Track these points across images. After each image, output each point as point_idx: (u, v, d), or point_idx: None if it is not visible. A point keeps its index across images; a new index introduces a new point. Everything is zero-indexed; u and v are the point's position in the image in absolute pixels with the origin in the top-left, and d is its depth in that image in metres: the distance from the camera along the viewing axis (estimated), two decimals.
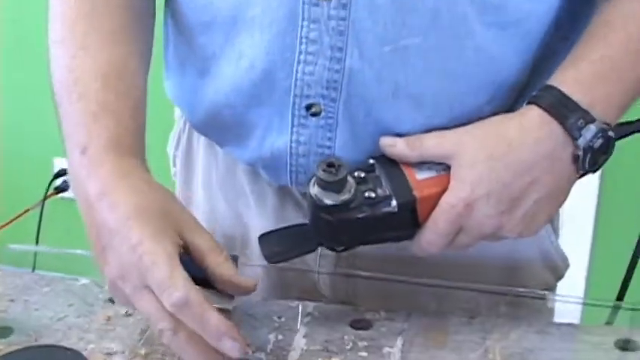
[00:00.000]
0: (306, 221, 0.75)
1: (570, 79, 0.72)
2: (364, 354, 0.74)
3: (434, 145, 0.72)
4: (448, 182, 0.71)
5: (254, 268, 0.89)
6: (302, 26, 0.72)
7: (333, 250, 0.76)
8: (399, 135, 0.74)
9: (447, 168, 0.72)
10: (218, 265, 0.68)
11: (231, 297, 0.71)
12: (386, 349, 0.75)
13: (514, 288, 0.84)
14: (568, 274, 0.93)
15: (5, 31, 2.20)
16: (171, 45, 0.85)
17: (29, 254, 0.97)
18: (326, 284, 0.87)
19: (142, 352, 0.75)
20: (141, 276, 0.65)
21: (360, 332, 0.77)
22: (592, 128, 0.70)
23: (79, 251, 0.91)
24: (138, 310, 0.68)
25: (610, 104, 0.72)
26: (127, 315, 0.79)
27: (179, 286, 0.64)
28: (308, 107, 0.75)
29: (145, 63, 0.79)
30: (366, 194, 0.70)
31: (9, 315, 0.79)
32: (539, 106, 0.71)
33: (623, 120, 0.76)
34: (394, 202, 0.70)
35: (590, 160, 0.71)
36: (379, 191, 0.71)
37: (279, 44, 0.73)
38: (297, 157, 0.77)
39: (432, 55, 0.72)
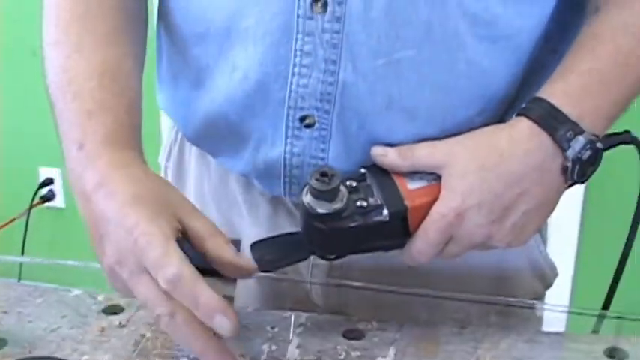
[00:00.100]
0: (299, 230, 0.75)
1: (559, 91, 0.73)
2: None
3: (425, 155, 0.73)
4: (439, 192, 0.72)
5: (246, 279, 0.89)
6: (296, 39, 0.73)
7: (324, 258, 0.76)
8: (391, 146, 0.75)
9: (438, 178, 0.73)
10: (218, 248, 0.69)
11: (233, 282, 0.72)
12: (379, 359, 0.76)
13: (504, 297, 0.85)
14: (554, 282, 0.94)
15: None
16: (165, 57, 0.86)
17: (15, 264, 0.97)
18: (318, 294, 0.88)
19: None
20: (137, 259, 0.65)
21: (353, 342, 0.78)
22: (581, 140, 0.71)
23: (70, 262, 0.92)
24: (136, 296, 0.68)
25: (598, 116, 0.73)
26: (121, 326, 0.80)
27: (173, 263, 0.64)
28: (302, 119, 0.76)
29: (139, 64, 0.80)
30: (358, 203, 0.71)
31: (3, 326, 0.80)
32: (529, 118, 0.72)
33: (608, 132, 0.77)
34: (386, 212, 0.71)
35: (579, 171, 0.72)
36: (371, 200, 0.72)
37: (272, 56, 0.74)
38: (290, 168, 0.78)
39: (425, 68, 0.73)
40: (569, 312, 0.84)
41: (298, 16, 0.72)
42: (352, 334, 0.79)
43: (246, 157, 0.81)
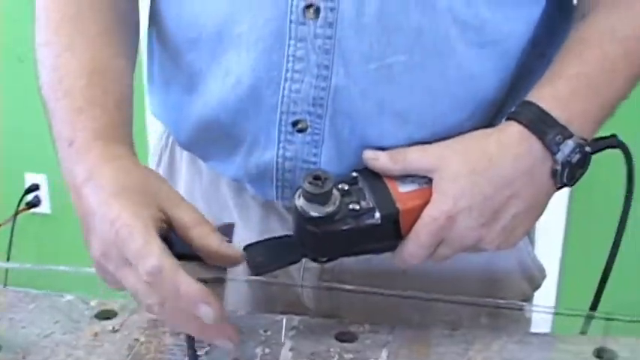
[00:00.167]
0: (291, 233, 0.76)
1: (548, 95, 0.74)
2: None
3: (416, 158, 0.74)
4: (430, 195, 0.73)
5: (238, 283, 0.90)
6: (289, 45, 0.74)
7: (316, 261, 0.77)
8: (383, 149, 0.76)
9: (429, 181, 0.73)
10: (203, 236, 0.69)
11: (223, 270, 0.72)
12: None
13: (494, 299, 0.86)
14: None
15: None
16: (156, 62, 0.86)
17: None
18: (310, 298, 0.88)
19: None
20: (119, 251, 0.66)
21: (346, 345, 0.79)
22: (570, 143, 0.72)
23: (61, 267, 0.92)
24: (125, 287, 0.68)
25: (586, 120, 0.75)
26: (114, 331, 0.80)
27: (153, 254, 0.64)
28: (294, 123, 0.77)
29: (130, 65, 0.81)
30: (351, 206, 0.72)
31: None
32: (519, 122, 0.73)
33: (595, 136, 0.78)
34: (377, 215, 0.72)
35: (568, 174, 0.73)
36: (363, 203, 0.72)
37: (265, 62, 0.75)
38: (283, 172, 0.79)
39: (416, 73, 0.74)
40: (559, 314, 0.85)
41: (291, 22, 0.73)
42: (345, 337, 0.80)
43: (239, 162, 0.81)
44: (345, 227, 0.72)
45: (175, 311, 0.66)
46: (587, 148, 0.73)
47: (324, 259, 0.76)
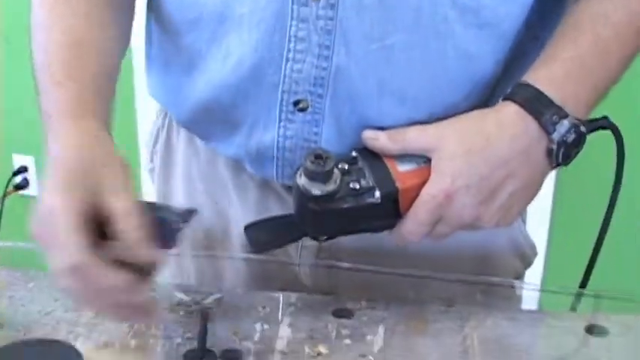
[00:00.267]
0: (290, 212, 0.77)
1: (543, 77, 0.75)
2: (348, 341, 0.77)
3: (415, 138, 0.75)
4: (428, 174, 0.74)
5: (235, 260, 0.91)
6: (291, 25, 0.75)
7: (316, 239, 0.78)
8: (382, 129, 0.77)
9: (428, 161, 0.75)
10: (126, 229, 0.67)
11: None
12: (369, 337, 0.78)
13: (487, 277, 0.87)
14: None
15: None
16: (155, 43, 0.87)
17: None
18: (307, 275, 0.90)
19: (132, 343, 0.77)
20: (45, 235, 0.67)
21: (343, 321, 0.80)
22: (565, 123, 0.73)
23: None
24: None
25: (579, 101, 0.76)
26: None
27: (69, 251, 0.65)
28: (295, 103, 0.78)
29: (119, 41, 0.81)
30: (351, 185, 0.73)
31: None
32: (515, 102, 0.74)
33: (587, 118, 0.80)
34: (377, 193, 0.73)
35: (564, 153, 0.74)
36: (363, 182, 0.74)
37: (267, 42, 0.76)
38: (283, 152, 0.80)
39: (415, 54, 0.75)
40: (552, 291, 0.86)
41: (293, 3, 0.74)
42: (342, 314, 0.81)
43: (239, 141, 0.82)
44: (345, 205, 0.73)
45: (98, 298, 0.67)
46: (582, 128, 0.75)
47: (324, 238, 0.77)
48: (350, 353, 0.76)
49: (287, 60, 0.76)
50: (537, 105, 0.74)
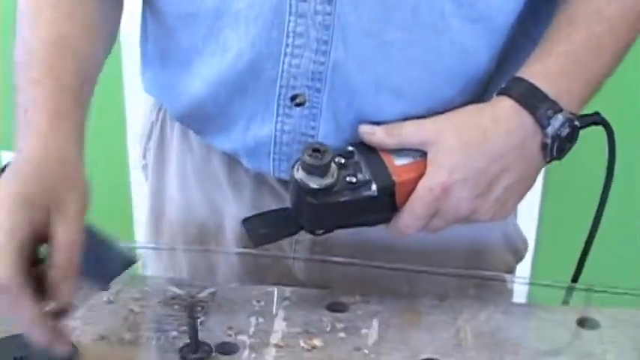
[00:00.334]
0: (287, 206, 0.77)
1: (538, 72, 0.76)
2: (343, 335, 0.78)
3: (412, 132, 0.76)
4: (425, 168, 0.75)
5: (229, 255, 0.91)
6: (289, 21, 0.75)
7: (313, 233, 0.78)
8: (378, 124, 0.77)
9: (423, 154, 0.75)
10: (58, 265, 0.66)
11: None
12: (363, 330, 0.78)
13: (481, 271, 0.88)
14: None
15: None
16: (151, 39, 0.87)
17: None
18: (301, 269, 0.90)
19: (127, 337, 0.77)
20: None
21: (338, 315, 0.81)
22: (560, 118, 0.74)
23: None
24: None
25: (573, 96, 0.77)
26: (110, 302, 0.81)
27: (3, 268, 0.64)
28: (293, 98, 0.78)
29: (100, 37, 0.80)
30: (348, 179, 0.74)
31: None
32: (511, 97, 0.75)
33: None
34: (374, 187, 0.74)
35: (558, 147, 0.75)
36: (360, 176, 0.74)
37: (265, 37, 0.76)
38: (280, 146, 0.80)
39: (412, 49, 0.76)
40: (545, 285, 0.87)
41: None
42: (336, 307, 0.82)
43: (236, 135, 0.82)
44: (342, 199, 0.73)
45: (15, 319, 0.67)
46: (576, 122, 0.75)
47: (321, 231, 0.78)
48: (345, 346, 0.76)
49: (285, 55, 0.76)
50: (532, 99, 0.74)
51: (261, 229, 0.78)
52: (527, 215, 1.66)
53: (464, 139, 0.74)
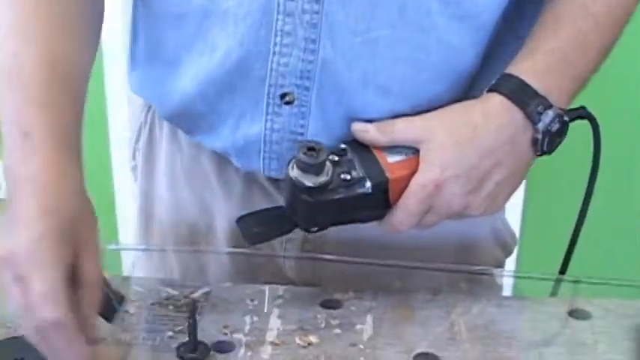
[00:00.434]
0: (281, 205, 0.78)
1: (527, 68, 0.77)
2: (338, 331, 0.78)
3: (404, 129, 0.76)
4: (417, 165, 0.75)
5: (220, 255, 0.91)
6: (277, 19, 0.75)
7: (307, 231, 0.79)
8: (368, 121, 0.78)
9: (416, 152, 0.76)
10: (85, 301, 0.66)
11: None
12: (358, 326, 0.79)
13: (472, 266, 0.89)
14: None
15: None
16: (140, 37, 0.87)
17: None
18: (291, 268, 0.90)
19: (124, 338, 0.77)
20: (24, 270, 0.64)
21: (332, 311, 0.81)
22: (550, 113, 0.75)
23: None
24: (11, 298, 0.66)
25: (561, 92, 0.78)
26: None
27: (59, 307, 0.63)
28: (282, 96, 0.78)
29: (90, 57, 0.79)
30: (342, 176, 0.74)
31: None
32: (501, 93, 0.76)
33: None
34: (368, 184, 0.75)
35: (548, 142, 0.76)
36: (354, 174, 0.75)
37: (253, 36, 0.76)
38: (270, 144, 0.80)
39: (399, 47, 0.76)
40: (536, 278, 0.88)
41: None
42: (330, 304, 0.82)
43: (225, 134, 0.82)
44: (337, 196, 0.74)
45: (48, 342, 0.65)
46: (566, 118, 0.77)
47: (315, 229, 0.78)
48: (340, 342, 0.77)
49: (273, 54, 0.77)
50: (522, 96, 0.75)
51: (255, 227, 0.78)
52: (511, 210, 1.68)
53: (455, 136, 0.75)
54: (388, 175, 0.75)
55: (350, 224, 0.79)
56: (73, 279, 0.66)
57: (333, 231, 0.81)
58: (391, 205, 0.76)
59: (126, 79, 0.92)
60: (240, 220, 0.79)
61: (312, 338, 0.77)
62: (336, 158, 0.75)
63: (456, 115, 0.77)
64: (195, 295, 0.83)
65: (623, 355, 0.75)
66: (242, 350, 0.76)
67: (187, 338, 0.75)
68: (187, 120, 0.85)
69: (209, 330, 0.78)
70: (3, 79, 0.73)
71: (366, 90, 0.78)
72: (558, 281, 0.89)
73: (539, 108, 0.75)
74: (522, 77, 0.76)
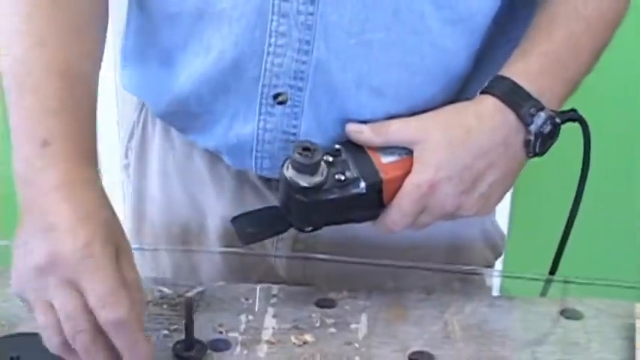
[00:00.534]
0: (275, 205, 0.78)
1: (520, 71, 0.78)
2: (333, 330, 0.79)
3: (398, 130, 0.77)
4: (411, 165, 0.76)
5: (212, 254, 0.92)
6: (272, 20, 0.76)
7: (302, 230, 0.79)
8: (361, 122, 0.79)
9: (410, 152, 0.77)
10: (137, 301, 0.66)
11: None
12: (353, 325, 0.80)
13: (463, 266, 0.90)
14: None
15: None
16: (133, 36, 0.87)
17: None
18: (283, 266, 0.91)
19: None
20: (75, 274, 0.64)
21: (326, 310, 0.82)
22: (542, 115, 0.76)
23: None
24: (55, 304, 0.65)
25: (553, 94, 0.79)
26: None
27: (123, 307, 0.64)
28: (275, 96, 0.79)
29: (98, 64, 0.78)
30: (337, 177, 0.75)
31: None
32: (494, 95, 0.77)
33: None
34: (363, 184, 0.75)
35: (540, 144, 0.77)
36: (348, 174, 0.75)
37: (248, 37, 0.77)
38: (262, 144, 0.81)
39: (393, 49, 0.77)
40: (528, 279, 0.89)
41: None
42: (324, 303, 0.83)
43: (218, 133, 0.83)
44: (332, 196, 0.74)
45: (97, 344, 0.65)
46: (558, 120, 0.77)
47: (310, 229, 0.79)
48: (335, 341, 0.77)
49: (268, 54, 0.77)
50: (515, 98, 0.76)
51: (250, 227, 0.79)
52: (499, 212, 1.69)
53: (449, 137, 0.76)
54: (382, 175, 0.76)
55: (343, 224, 0.79)
56: None
57: (325, 231, 0.81)
58: (385, 206, 0.77)
59: (113, 78, 0.93)
60: (234, 219, 0.79)
61: (308, 337, 0.78)
62: (331, 159, 0.76)
63: (449, 116, 0.77)
64: (190, 294, 0.83)
65: (616, 354, 0.76)
66: (238, 349, 0.76)
67: (183, 337, 0.76)
68: (181, 119, 0.86)
69: (204, 329, 0.78)
70: (11, 83, 0.72)
71: (359, 91, 0.79)
72: (549, 281, 0.90)
73: (532, 110, 0.76)
74: (515, 79, 0.77)
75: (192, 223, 0.93)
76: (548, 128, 0.77)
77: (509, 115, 0.76)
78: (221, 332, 0.78)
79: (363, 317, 0.81)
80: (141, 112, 0.94)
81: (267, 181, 0.87)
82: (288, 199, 0.75)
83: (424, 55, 0.79)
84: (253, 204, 0.85)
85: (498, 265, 1.53)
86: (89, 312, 0.64)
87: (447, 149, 0.75)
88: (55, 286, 0.65)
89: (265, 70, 0.78)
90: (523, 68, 0.78)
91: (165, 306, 0.82)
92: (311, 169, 0.73)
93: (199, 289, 0.84)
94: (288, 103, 0.79)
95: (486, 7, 0.81)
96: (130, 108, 0.99)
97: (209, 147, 0.86)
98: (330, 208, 0.75)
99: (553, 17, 0.80)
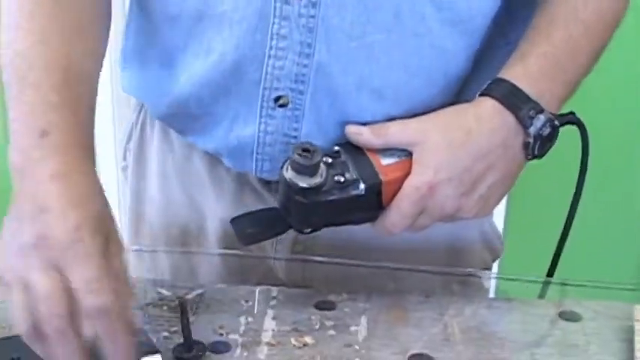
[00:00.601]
0: (275, 206, 0.79)
1: (519, 73, 0.78)
2: (333, 332, 0.79)
3: (398, 132, 0.77)
4: (410, 167, 0.76)
5: (211, 256, 0.92)
6: (273, 23, 0.76)
7: (301, 232, 0.80)
8: (361, 124, 0.79)
9: (409, 154, 0.77)
10: (125, 292, 0.67)
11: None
12: (353, 327, 0.80)
13: (462, 269, 0.90)
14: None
15: None
16: (132, 36, 0.87)
17: None
18: (282, 269, 0.91)
19: None
20: (62, 257, 0.64)
21: (326, 313, 0.82)
22: (541, 118, 0.76)
23: None
24: (34, 285, 0.63)
25: (552, 96, 0.79)
26: None
27: (105, 294, 0.64)
28: (276, 99, 0.79)
29: (100, 63, 0.79)
30: (336, 178, 0.75)
31: None
32: (493, 97, 0.77)
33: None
34: (362, 186, 0.75)
35: (539, 146, 0.77)
36: (347, 175, 0.76)
37: (249, 40, 0.77)
38: (263, 146, 0.81)
39: (394, 51, 0.77)
40: (527, 281, 0.89)
41: (275, 1, 0.75)
42: (324, 306, 0.83)
43: (219, 136, 0.83)
44: (331, 198, 0.75)
45: (60, 331, 0.64)
46: (556, 122, 0.78)
47: (309, 230, 0.79)
48: (335, 343, 0.77)
49: (269, 57, 0.77)
50: (514, 100, 0.76)
51: (249, 228, 0.79)
52: (496, 214, 1.70)
53: (448, 139, 0.76)
54: (381, 177, 0.76)
55: (342, 226, 0.79)
56: None
57: (324, 233, 0.82)
58: (384, 207, 0.77)
59: (110, 78, 0.93)
60: (234, 220, 0.79)
61: (308, 339, 0.78)
62: (330, 160, 0.76)
63: (449, 118, 0.78)
64: (189, 296, 0.83)
65: (615, 356, 0.76)
66: (238, 350, 0.76)
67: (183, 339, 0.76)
68: (180, 120, 0.86)
69: (204, 330, 0.78)
70: (12, 77, 0.73)
71: (360, 94, 0.79)
72: (547, 283, 0.90)
73: (531, 112, 0.76)
74: (514, 82, 0.77)
75: (192, 224, 0.93)
76: (547, 131, 0.77)
77: (509, 118, 0.77)
78: (221, 334, 0.78)
79: (363, 319, 0.81)
80: (139, 113, 0.94)
81: (266, 183, 0.87)
82: (287, 200, 0.75)
83: (424, 57, 0.79)
84: (253, 206, 0.85)
85: (496, 267, 1.54)
86: (69, 296, 0.63)
87: (447, 151, 0.75)
88: (38, 266, 0.64)
89: (266, 73, 0.78)
90: (522, 70, 0.78)
91: (164, 308, 0.82)
92: (310, 171, 0.73)
93: (199, 291, 0.84)
94: (289, 106, 0.79)
95: (486, 8, 0.81)
96: (125, 109, 0.99)
97: (209, 149, 0.86)
98: (329, 210, 0.76)
99: (552, 18, 0.81)
